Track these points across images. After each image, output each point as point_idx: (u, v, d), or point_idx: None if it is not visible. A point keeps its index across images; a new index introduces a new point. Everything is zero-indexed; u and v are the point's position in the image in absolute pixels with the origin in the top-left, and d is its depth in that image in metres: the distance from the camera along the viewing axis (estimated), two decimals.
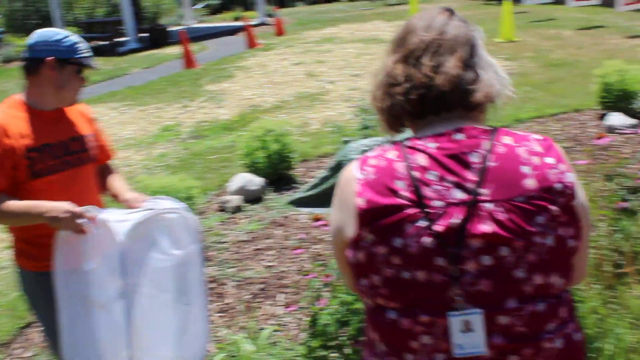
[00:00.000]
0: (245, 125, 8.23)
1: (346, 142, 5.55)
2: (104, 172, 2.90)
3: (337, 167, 5.36)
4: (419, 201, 1.31)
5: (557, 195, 1.30)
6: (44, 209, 2.36)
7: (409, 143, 1.39)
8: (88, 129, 2.77)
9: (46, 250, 2.46)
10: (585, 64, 9.87)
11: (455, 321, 1.30)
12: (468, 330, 1.30)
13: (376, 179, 1.36)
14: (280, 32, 17.77)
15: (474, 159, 1.33)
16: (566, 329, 1.36)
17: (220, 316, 4.03)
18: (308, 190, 5.76)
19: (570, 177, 1.33)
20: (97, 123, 2.89)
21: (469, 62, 1.41)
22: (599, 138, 3.26)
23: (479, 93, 1.38)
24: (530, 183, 1.29)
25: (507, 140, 1.35)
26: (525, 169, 1.30)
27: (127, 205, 2.64)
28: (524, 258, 1.28)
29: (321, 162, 6.77)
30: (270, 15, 22.98)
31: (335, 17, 21.29)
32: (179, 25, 23.80)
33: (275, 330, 3.68)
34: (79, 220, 2.34)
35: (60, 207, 2.35)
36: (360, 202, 1.36)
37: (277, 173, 6.23)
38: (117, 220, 2.39)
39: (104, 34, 20.43)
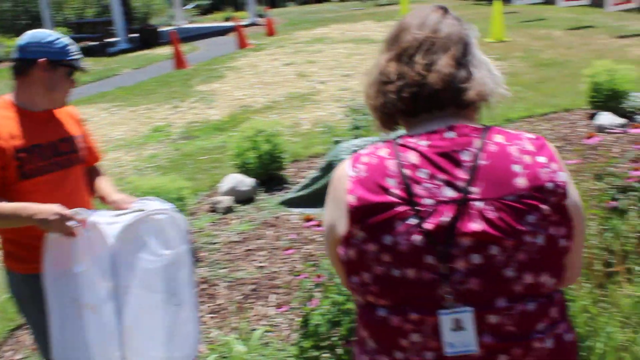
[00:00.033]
0: (236, 126, 8.22)
1: (337, 142, 5.58)
2: (92, 174, 2.89)
3: (328, 168, 5.38)
4: (410, 199, 1.31)
5: (549, 195, 1.29)
6: (33, 211, 2.34)
7: (400, 141, 1.39)
8: (77, 131, 2.76)
9: (35, 253, 2.45)
10: (575, 64, 9.91)
11: (445, 319, 1.30)
12: (459, 329, 1.30)
13: (367, 177, 1.36)
14: (271, 33, 17.76)
15: (465, 157, 1.33)
16: (557, 329, 1.36)
17: (212, 317, 4.02)
18: (299, 190, 5.78)
19: (562, 176, 1.32)
20: (85, 125, 2.88)
21: (462, 61, 1.40)
22: (589, 137, 3.27)
23: (472, 91, 1.38)
24: (521, 182, 1.29)
25: (498, 138, 1.35)
26: (516, 168, 1.30)
27: (115, 207, 2.63)
28: (514, 257, 1.28)
29: (312, 162, 6.76)
30: (261, 16, 22.96)
31: (326, 17, 21.29)
32: (170, 25, 23.76)
33: (267, 331, 3.67)
34: (69, 223, 2.33)
35: (49, 209, 2.33)
36: (351, 200, 1.36)
37: (268, 173, 6.22)
38: (107, 223, 2.38)
39: (94, 35, 20.34)
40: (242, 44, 15.87)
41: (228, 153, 6.70)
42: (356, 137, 5.69)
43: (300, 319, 3.03)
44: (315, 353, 2.82)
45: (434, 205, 1.30)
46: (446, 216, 1.29)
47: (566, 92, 8.39)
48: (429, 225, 1.29)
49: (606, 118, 6.75)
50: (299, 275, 3.29)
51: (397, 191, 1.32)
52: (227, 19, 24.61)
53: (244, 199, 5.90)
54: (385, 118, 1.47)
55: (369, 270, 1.35)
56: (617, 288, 2.81)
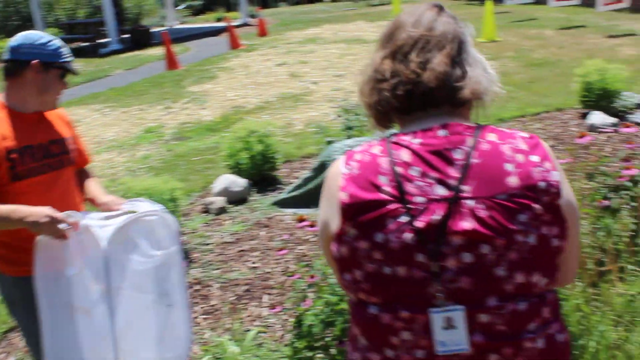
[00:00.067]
0: (228, 127, 8.21)
1: (329, 142, 5.58)
2: (81, 176, 2.88)
3: (321, 168, 5.38)
4: (401, 197, 1.31)
5: (541, 194, 1.29)
6: (23, 213, 2.33)
7: (393, 139, 1.39)
8: (67, 132, 2.75)
9: (26, 255, 2.43)
10: (567, 64, 9.95)
11: (437, 318, 1.30)
12: (450, 327, 1.30)
13: (360, 174, 1.36)
14: (263, 33, 17.74)
15: (457, 155, 1.32)
16: (549, 329, 1.35)
17: (205, 318, 4.01)
18: (292, 191, 5.78)
19: (556, 176, 1.31)
20: (75, 127, 2.88)
21: (457, 59, 1.40)
22: (580, 137, 3.28)
23: (466, 90, 1.38)
24: (513, 181, 1.29)
25: (491, 137, 1.35)
26: (508, 167, 1.30)
27: (105, 208, 2.63)
28: (505, 256, 1.28)
29: (305, 162, 6.76)
30: (252, 16, 22.94)
31: (318, 17, 21.29)
32: (162, 26, 23.70)
33: (260, 332, 3.67)
34: (60, 226, 2.32)
35: (40, 212, 2.32)
36: (344, 197, 1.36)
37: (261, 174, 6.21)
38: (99, 226, 2.38)
39: (86, 35, 20.24)
40: (234, 45, 15.85)
41: (221, 154, 6.69)
42: (349, 137, 5.70)
43: (293, 319, 3.03)
44: (309, 353, 2.82)
45: (425, 204, 1.30)
46: (437, 214, 1.29)
47: (558, 91, 8.41)
48: (420, 223, 1.29)
49: (598, 117, 6.78)
50: (292, 275, 3.29)
51: (388, 189, 1.32)
52: (219, 20, 24.56)
53: (237, 199, 5.89)
54: (379, 116, 1.47)
55: (360, 267, 1.35)
56: (609, 287, 2.82)
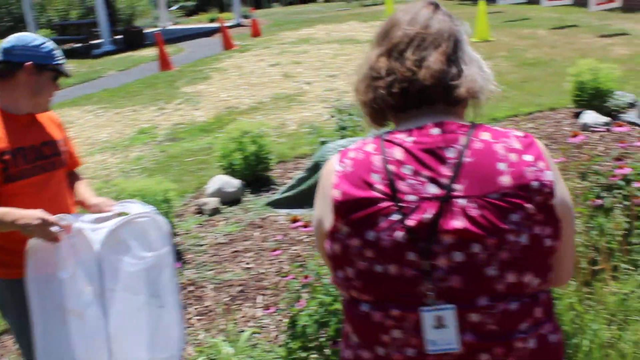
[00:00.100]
0: (221, 127, 8.20)
1: (323, 142, 5.57)
2: (71, 178, 2.88)
3: (314, 168, 5.38)
4: (393, 195, 1.31)
5: (534, 193, 1.28)
6: (15, 216, 2.32)
7: (387, 136, 1.39)
8: (58, 135, 2.75)
9: (18, 257, 2.42)
10: (559, 63, 9.97)
11: (427, 316, 1.30)
12: (441, 326, 1.29)
13: (353, 172, 1.36)
14: (256, 33, 17.72)
15: (450, 154, 1.32)
16: (541, 329, 1.35)
17: (199, 319, 4.00)
18: (285, 191, 5.77)
19: (549, 176, 1.31)
20: (65, 129, 2.87)
21: (453, 57, 1.40)
22: (573, 136, 3.28)
23: (462, 88, 1.37)
24: (506, 180, 1.28)
25: (485, 136, 1.34)
26: (501, 166, 1.29)
27: (95, 210, 2.62)
28: (496, 256, 1.27)
29: (298, 163, 6.76)
30: (246, 17, 22.90)
31: (311, 17, 21.29)
32: (154, 27, 23.64)
33: (254, 333, 3.67)
34: (52, 228, 2.31)
35: (32, 214, 2.31)
36: (337, 194, 1.36)
37: (255, 174, 6.21)
38: (91, 229, 2.37)
39: (79, 36, 20.18)
40: (228, 45, 15.82)
41: (214, 154, 6.68)
42: (342, 137, 5.70)
43: (287, 320, 3.03)
44: (303, 354, 2.82)
45: (416, 202, 1.30)
46: (429, 213, 1.28)
47: (551, 91, 8.43)
48: (411, 221, 1.29)
49: (590, 117, 6.80)
50: (286, 276, 3.29)
51: (381, 187, 1.32)
52: (212, 20, 24.53)
53: (231, 200, 5.88)
54: (375, 114, 1.47)
55: (352, 265, 1.35)
56: (602, 285, 2.83)
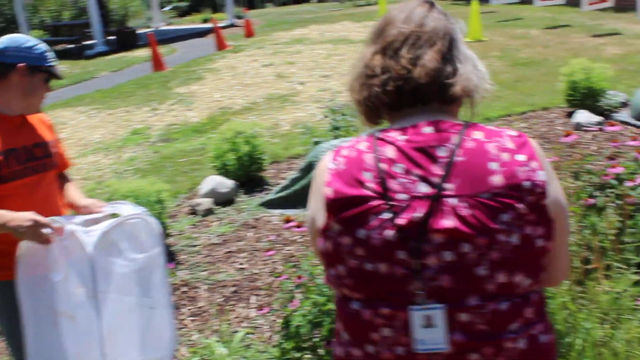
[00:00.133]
0: (215, 128, 8.18)
1: (317, 143, 5.58)
2: (61, 180, 2.87)
3: (308, 168, 5.38)
4: (384, 193, 1.31)
5: (525, 193, 1.27)
6: (6, 218, 2.31)
7: (380, 135, 1.38)
8: (49, 136, 2.75)
9: (9, 259, 2.41)
10: (552, 63, 10.00)
11: (416, 316, 1.30)
12: (429, 326, 1.29)
13: (345, 170, 1.36)
14: (249, 34, 17.70)
15: (442, 153, 1.32)
16: (532, 329, 1.34)
17: (193, 320, 3.99)
18: (279, 191, 5.77)
19: (542, 176, 1.30)
20: (56, 131, 2.86)
21: (448, 55, 1.39)
22: (566, 136, 3.29)
23: (457, 87, 1.37)
24: (497, 179, 1.27)
25: (477, 135, 1.34)
26: (492, 165, 1.29)
27: (85, 211, 2.61)
28: (487, 255, 1.27)
29: (292, 163, 6.75)
30: (239, 17, 22.88)
31: (305, 18, 21.29)
32: (148, 27, 23.59)
33: (248, 333, 3.66)
34: (44, 230, 2.30)
35: (23, 216, 2.30)
36: (329, 192, 1.36)
37: (248, 175, 6.20)
38: (83, 231, 2.37)
39: (71, 37, 20.11)
40: (221, 46, 15.80)
41: (207, 155, 6.66)
42: (336, 137, 5.70)
43: (281, 320, 3.03)
44: (297, 354, 2.82)
45: (407, 201, 1.29)
46: (419, 212, 1.28)
47: (544, 90, 8.45)
48: (401, 220, 1.29)
49: (583, 116, 6.82)
50: (279, 276, 3.28)
51: (372, 185, 1.32)
52: (205, 21, 24.51)
53: (224, 200, 5.87)
54: (369, 112, 1.46)
55: (343, 263, 1.35)
56: (595, 284, 2.83)
